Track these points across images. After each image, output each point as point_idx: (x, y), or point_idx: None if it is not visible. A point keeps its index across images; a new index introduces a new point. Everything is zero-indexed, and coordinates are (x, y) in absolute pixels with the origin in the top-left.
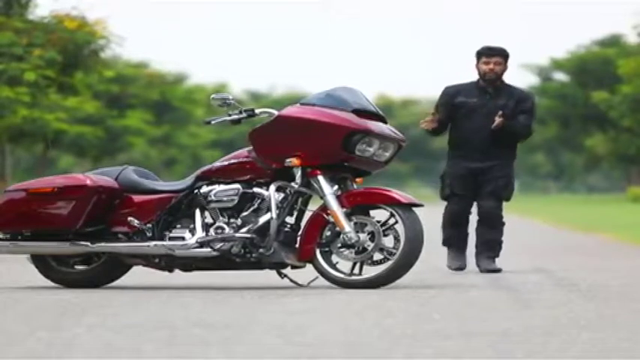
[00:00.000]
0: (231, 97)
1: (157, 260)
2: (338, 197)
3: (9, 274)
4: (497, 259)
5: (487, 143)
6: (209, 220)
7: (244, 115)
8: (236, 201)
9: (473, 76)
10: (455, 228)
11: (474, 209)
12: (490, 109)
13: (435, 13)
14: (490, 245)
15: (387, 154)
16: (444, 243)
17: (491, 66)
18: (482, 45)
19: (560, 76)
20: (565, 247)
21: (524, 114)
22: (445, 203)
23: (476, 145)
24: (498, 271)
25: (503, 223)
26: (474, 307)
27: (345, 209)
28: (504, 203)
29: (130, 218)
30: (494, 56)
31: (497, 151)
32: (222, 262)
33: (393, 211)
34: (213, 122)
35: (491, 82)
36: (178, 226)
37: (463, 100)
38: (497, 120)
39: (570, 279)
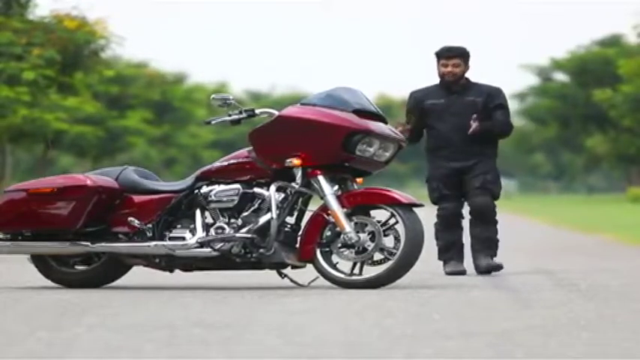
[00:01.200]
0: (231, 97)
1: (157, 260)
2: (338, 197)
3: (9, 274)
4: (495, 259)
5: (466, 141)
6: (209, 220)
7: (244, 115)
8: (236, 201)
9: (474, 76)
10: (449, 232)
11: (466, 210)
12: (459, 107)
13: (435, 13)
14: (487, 244)
15: (387, 155)
16: (440, 255)
17: (449, 68)
18: (441, 46)
19: (561, 76)
20: (565, 247)
21: (500, 110)
22: (436, 209)
23: (455, 145)
24: (499, 267)
25: (496, 221)
26: (474, 307)
27: (345, 209)
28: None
29: (130, 218)
30: (452, 58)
31: (478, 149)
32: (223, 262)
33: (394, 211)
34: (213, 122)
35: (451, 84)
36: (178, 226)
37: (432, 103)
38: (474, 125)
39: (570, 279)
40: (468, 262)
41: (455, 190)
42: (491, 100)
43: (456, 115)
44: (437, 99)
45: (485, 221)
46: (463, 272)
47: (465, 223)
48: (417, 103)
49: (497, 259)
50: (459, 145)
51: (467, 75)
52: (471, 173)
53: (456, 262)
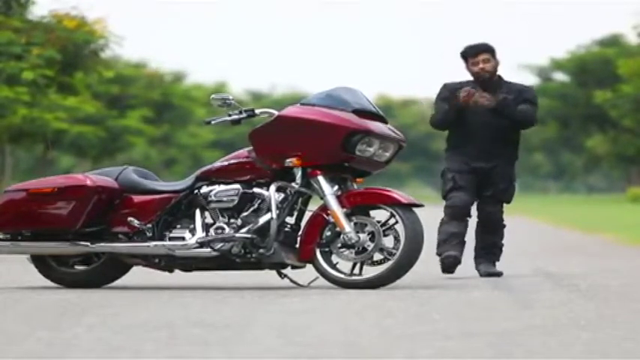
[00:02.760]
0: (231, 97)
1: (157, 260)
2: (338, 197)
3: (9, 274)
4: (497, 263)
5: (490, 141)
6: (209, 220)
7: (244, 115)
8: (236, 201)
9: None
10: (453, 225)
11: (474, 212)
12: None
13: (435, 13)
14: (490, 249)
15: (387, 155)
16: (439, 249)
17: (480, 65)
18: (464, 45)
19: (561, 76)
20: (565, 247)
21: (526, 103)
22: (445, 202)
23: (478, 143)
24: (499, 274)
25: (503, 226)
26: (474, 307)
27: (345, 209)
28: (505, 205)
29: (130, 218)
30: (479, 54)
31: (500, 150)
32: (223, 262)
33: (393, 212)
34: (213, 122)
35: (486, 81)
36: (178, 226)
37: None
38: (479, 95)
39: (570, 279)
40: (467, 267)
41: (470, 184)
42: (523, 96)
43: (485, 112)
44: None
45: (491, 229)
46: (458, 260)
47: (471, 222)
48: (451, 94)
49: (497, 263)
50: (481, 145)
51: (499, 71)
52: (488, 179)
53: (453, 250)
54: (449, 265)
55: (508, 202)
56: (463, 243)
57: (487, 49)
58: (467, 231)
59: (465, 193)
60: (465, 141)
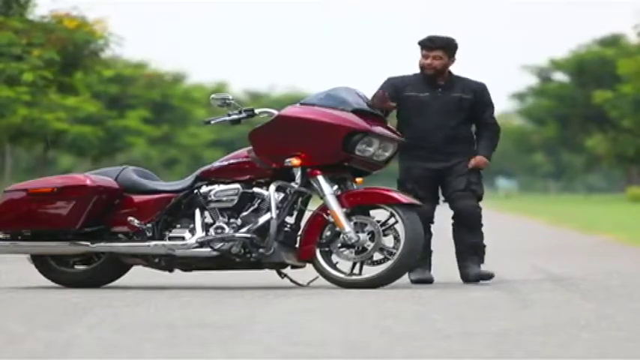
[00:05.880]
0: (230, 97)
1: (156, 260)
2: (338, 197)
3: (9, 274)
4: (482, 265)
5: (446, 141)
6: (209, 220)
7: (244, 115)
8: (236, 201)
9: (476, 76)
10: None
11: (449, 212)
12: (444, 103)
13: (436, 13)
14: (474, 251)
15: (387, 154)
16: None
17: (429, 60)
18: (426, 34)
19: (560, 77)
20: (565, 247)
21: (488, 110)
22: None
23: (435, 144)
24: (490, 276)
25: (482, 225)
26: (473, 307)
27: (345, 209)
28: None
29: (130, 218)
30: (433, 49)
31: (459, 148)
32: (222, 262)
33: (393, 211)
34: (212, 122)
35: (430, 77)
36: (178, 226)
37: (413, 95)
38: (477, 160)
39: (570, 279)
40: (454, 272)
41: (430, 192)
42: (480, 97)
43: (439, 112)
44: (419, 92)
45: (471, 227)
46: (430, 280)
47: (440, 227)
48: (395, 90)
49: (494, 260)
50: (438, 145)
51: (451, 69)
52: (453, 174)
53: (423, 269)
54: (418, 283)
55: (480, 198)
56: (430, 254)
57: (444, 47)
58: (432, 239)
59: (425, 204)
60: (419, 144)
